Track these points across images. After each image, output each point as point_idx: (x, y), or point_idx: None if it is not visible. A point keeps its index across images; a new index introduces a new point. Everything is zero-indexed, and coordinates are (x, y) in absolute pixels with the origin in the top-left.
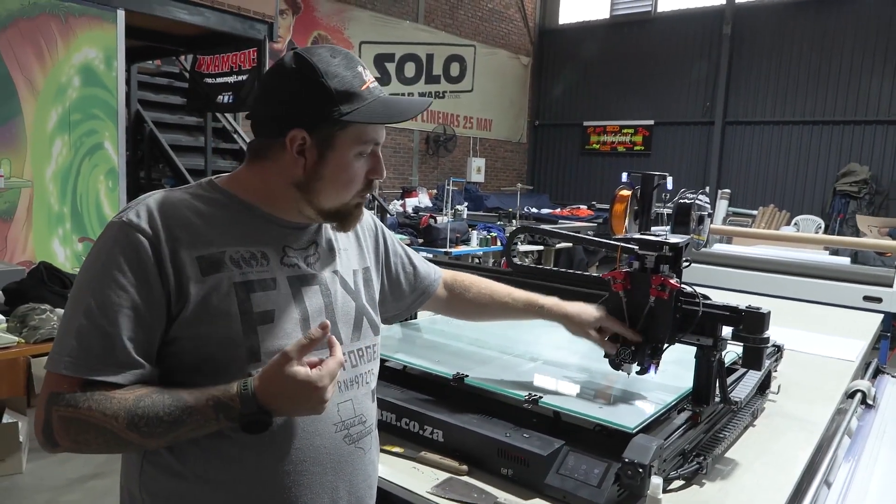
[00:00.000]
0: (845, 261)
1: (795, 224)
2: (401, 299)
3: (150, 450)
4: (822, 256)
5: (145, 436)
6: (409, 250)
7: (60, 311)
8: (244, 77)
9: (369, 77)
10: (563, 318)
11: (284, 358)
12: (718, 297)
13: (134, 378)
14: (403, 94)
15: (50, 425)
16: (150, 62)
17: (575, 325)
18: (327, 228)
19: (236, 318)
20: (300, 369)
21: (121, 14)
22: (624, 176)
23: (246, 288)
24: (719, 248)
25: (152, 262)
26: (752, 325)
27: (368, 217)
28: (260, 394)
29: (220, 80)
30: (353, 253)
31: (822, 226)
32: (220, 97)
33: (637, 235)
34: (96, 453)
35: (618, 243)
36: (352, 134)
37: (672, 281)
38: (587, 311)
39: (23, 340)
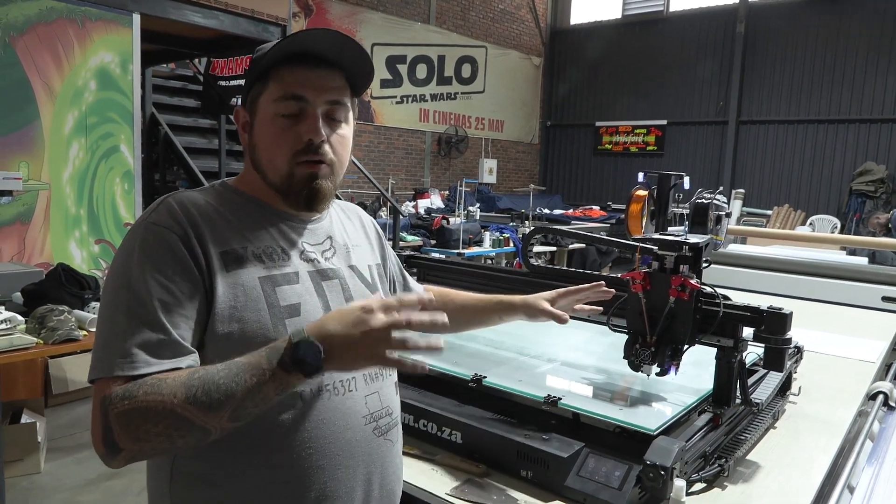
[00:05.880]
0: (863, 261)
1: (811, 224)
2: None
3: (212, 432)
4: (838, 256)
5: (204, 408)
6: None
7: (79, 312)
8: None
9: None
10: (523, 306)
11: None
12: (734, 298)
13: (188, 365)
14: (415, 96)
15: (110, 429)
16: (165, 65)
17: (532, 308)
18: (339, 224)
19: (265, 312)
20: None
21: (136, 18)
22: (640, 176)
23: (271, 282)
24: (734, 248)
25: (187, 256)
26: (774, 325)
27: (370, 220)
28: (311, 325)
29: (233, 82)
30: (365, 249)
31: (838, 226)
32: (234, 99)
33: (656, 235)
34: (159, 451)
35: (637, 244)
36: (269, 93)
37: (692, 281)
38: (543, 293)
39: (41, 341)
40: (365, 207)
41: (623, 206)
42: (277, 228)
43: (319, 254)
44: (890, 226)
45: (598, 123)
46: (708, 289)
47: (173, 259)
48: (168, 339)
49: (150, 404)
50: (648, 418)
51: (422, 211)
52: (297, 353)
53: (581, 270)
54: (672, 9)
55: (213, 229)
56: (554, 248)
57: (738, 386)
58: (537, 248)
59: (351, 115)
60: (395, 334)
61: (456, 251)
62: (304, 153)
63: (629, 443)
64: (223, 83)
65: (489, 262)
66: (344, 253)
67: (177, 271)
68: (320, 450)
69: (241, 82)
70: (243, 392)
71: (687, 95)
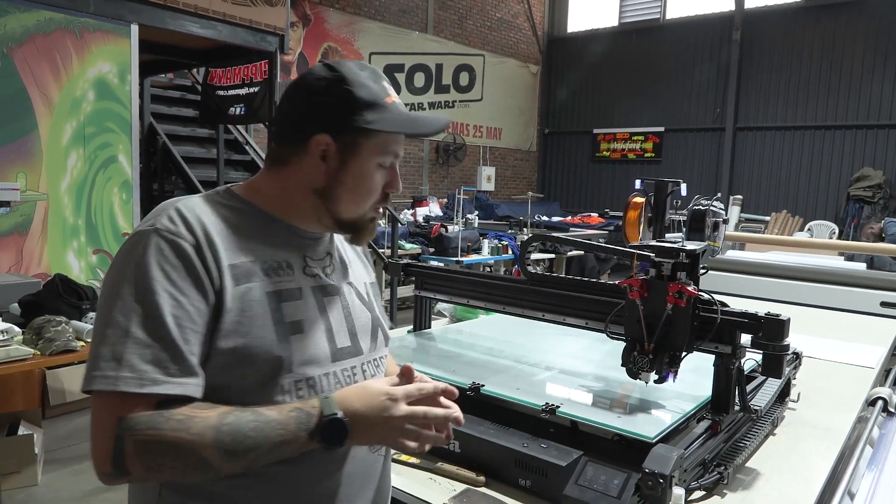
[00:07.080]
0: (861, 266)
1: (809, 230)
2: None
3: (222, 474)
4: (837, 262)
5: (228, 455)
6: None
7: (76, 322)
8: (256, 89)
9: (393, 93)
10: None
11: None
12: (733, 304)
13: (200, 389)
14: (413, 105)
15: (122, 453)
16: (163, 75)
17: None
18: (337, 240)
19: (271, 329)
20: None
21: (134, 28)
22: (637, 183)
23: (277, 297)
24: (732, 254)
25: (200, 267)
26: (771, 332)
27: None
28: (340, 399)
29: (231, 92)
30: (359, 267)
31: (837, 231)
32: (232, 109)
33: (653, 242)
34: (164, 480)
35: (634, 251)
36: (375, 143)
37: (689, 288)
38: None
39: (38, 352)
40: None
41: (621, 213)
42: (283, 242)
43: (320, 269)
44: (883, 235)
45: (595, 131)
46: (705, 295)
47: (187, 270)
48: (179, 356)
49: (177, 441)
50: (647, 426)
51: (420, 219)
52: (326, 429)
53: (580, 278)
54: (668, 16)
55: (223, 239)
56: (552, 256)
57: (736, 393)
58: (535, 256)
59: None
60: (410, 426)
61: (454, 259)
62: (383, 202)
63: (628, 451)
64: (221, 93)
65: (488, 269)
66: (341, 269)
67: (189, 283)
68: (319, 469)
69: (239, 91)
70: (268, 447)
71: (684, 102)
